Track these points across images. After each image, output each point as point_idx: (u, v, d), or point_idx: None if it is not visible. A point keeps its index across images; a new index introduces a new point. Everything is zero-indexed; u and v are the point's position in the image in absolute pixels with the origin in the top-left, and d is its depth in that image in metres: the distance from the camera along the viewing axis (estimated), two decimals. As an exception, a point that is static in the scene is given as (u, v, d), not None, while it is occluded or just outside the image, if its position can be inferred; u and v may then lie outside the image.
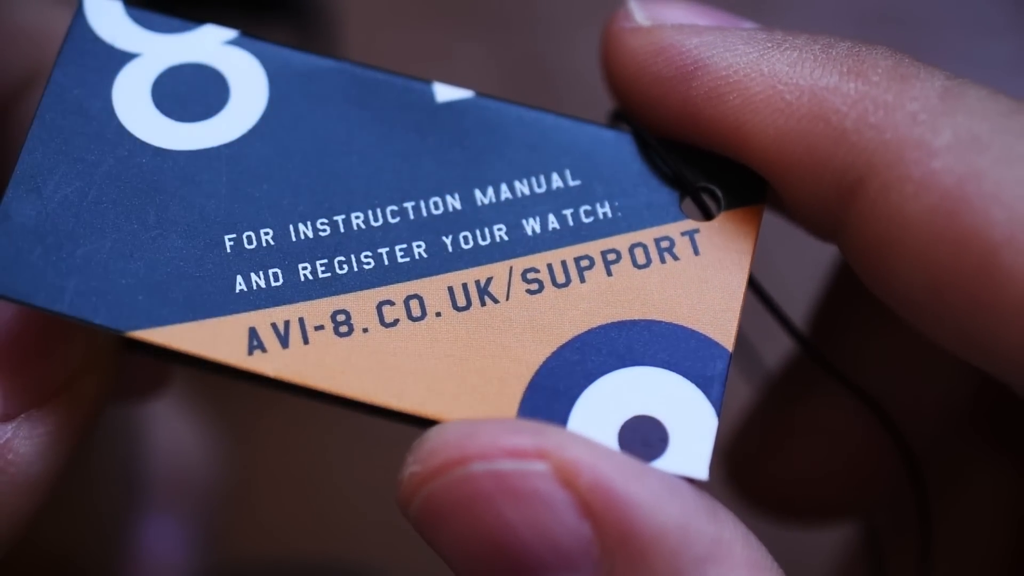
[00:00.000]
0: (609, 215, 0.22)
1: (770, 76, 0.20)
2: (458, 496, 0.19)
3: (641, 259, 0.21)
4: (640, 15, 0.22)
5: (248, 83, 0.22)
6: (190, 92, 0.22)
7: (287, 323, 0.21)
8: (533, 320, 0.21)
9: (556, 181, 0.22)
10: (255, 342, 0.21)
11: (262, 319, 0.21)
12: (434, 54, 0.47)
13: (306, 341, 0.21)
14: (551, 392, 0.20)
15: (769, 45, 0.20)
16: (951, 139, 0.19)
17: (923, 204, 0.19)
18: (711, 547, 0.18)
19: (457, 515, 0.19)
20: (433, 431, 0.19)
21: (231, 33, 0.22)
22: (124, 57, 0.22)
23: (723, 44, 0.20)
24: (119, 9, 0.22)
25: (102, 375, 0.22)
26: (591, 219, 0.22)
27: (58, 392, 0.21)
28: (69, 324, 0.21)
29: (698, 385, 0.20)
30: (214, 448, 0.38)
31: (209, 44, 0.22)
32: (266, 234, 0.21)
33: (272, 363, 0.20)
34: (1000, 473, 0.25)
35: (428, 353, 0.21)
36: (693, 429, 0.20)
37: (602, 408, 0.20)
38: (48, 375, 0.21)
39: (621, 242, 0.21)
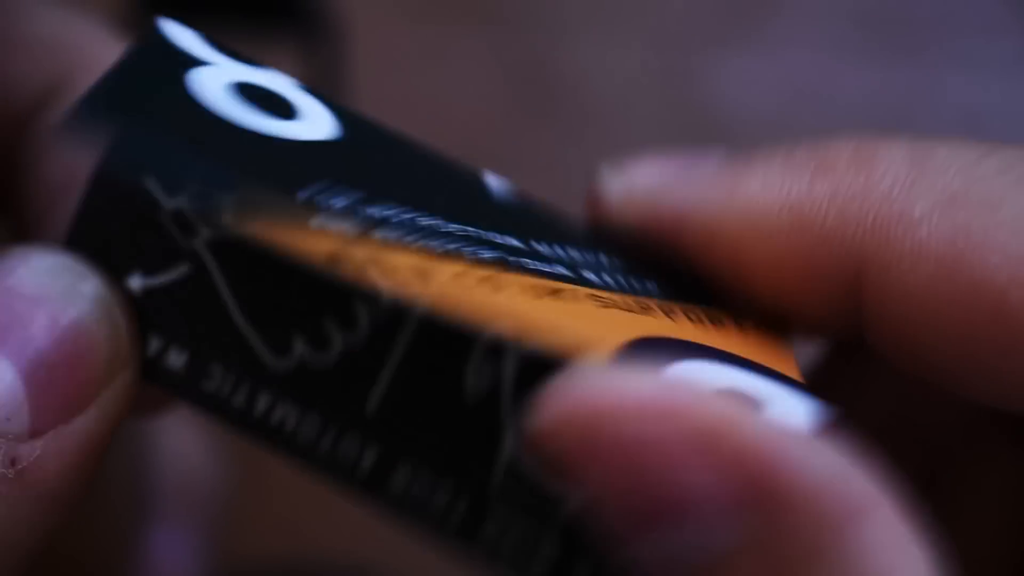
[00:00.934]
0: None
1: (746, 211, 0.21)
2: (598, 444, 0.19)
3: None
4: (615, 187, 0.22)
5: (316, 114, 0.23)
6: (266, 102, 0.22)
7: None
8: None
9: None
10: None
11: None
12: (436, 54, 0.47)
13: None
14: (651, 352, 0.21)
15: (735, 177, 0.21)
16: (929, 204, 0.19)
17: (922, 274, 0.19)
18: (857, 504, 0.18)
19: (595, 463, 0.19)
20: (570, 375, 0.19)
21: (293, 80, 0.23)
22: (198, 61, 0.22)
23: (696, 195, 0.21)
24: (191, 33, 0.23)
25: (124, 389, 0.22)
26: None
27: (83, 407, 0.21)
28: (96, 341, 0.21)
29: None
30: (221, 457, 0.38)
31: (275, 78, 0.23)
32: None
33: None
34: (1011, 473, 0.25)
35: (549, 306, 0.22)
36: (787, 405, 0.20)
37: (697, 377, 0.21)
38: (74, 391, 0.21)
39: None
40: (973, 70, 0.43)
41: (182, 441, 0.36)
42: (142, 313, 0.23)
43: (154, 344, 0.23)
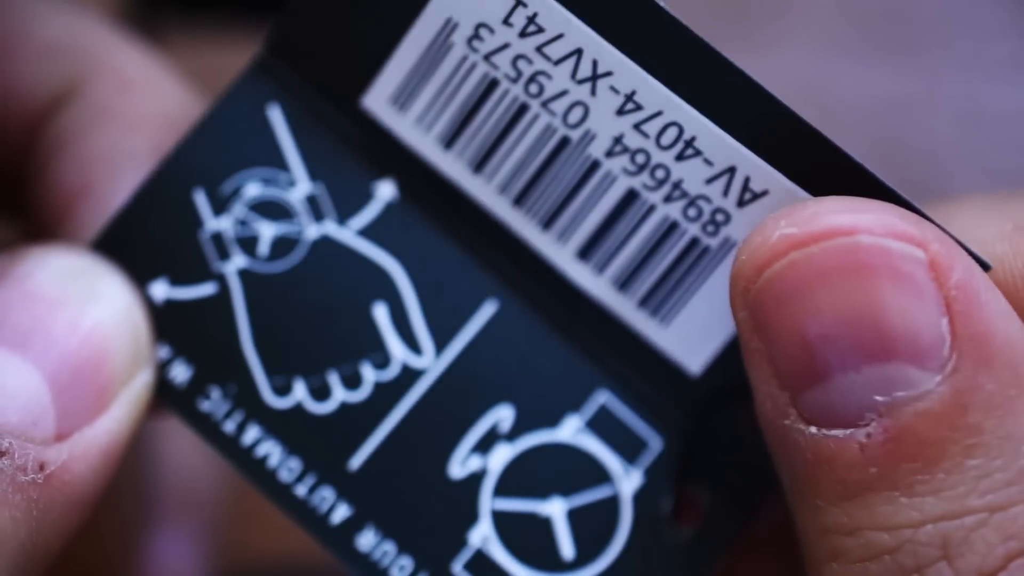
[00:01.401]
0: None
1: None
2: (838, 263, 0.18)
3: None
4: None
5: None
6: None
7: None
8: None
9: None
10: None
11: None
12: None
13: None
14: None
15: None
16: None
17: None
18: None
19: (830, 281, 0.19)
20: (814, 201, 0.19)
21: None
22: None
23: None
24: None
25: (145, 388, 0.22)
26: None
27: (105, 407, 0.21)
28: (117, 341, 0.22)
29: None
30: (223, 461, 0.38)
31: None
32: None
33: None
34: None
35: None
36: None
37: None
38: (97, 392, 0.21)
39: None
40: (973, 70, 0.43)
41: (184, 444, 0.36)
42: (158, 320, 0.23)
43: (163, 353, 0.23)
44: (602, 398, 0.23)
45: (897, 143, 0.43)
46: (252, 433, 0.23)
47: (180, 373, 0.23)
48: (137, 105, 0.25)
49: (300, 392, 0.23)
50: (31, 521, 0.20)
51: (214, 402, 0.23)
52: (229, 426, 0.23)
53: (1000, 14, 0.46)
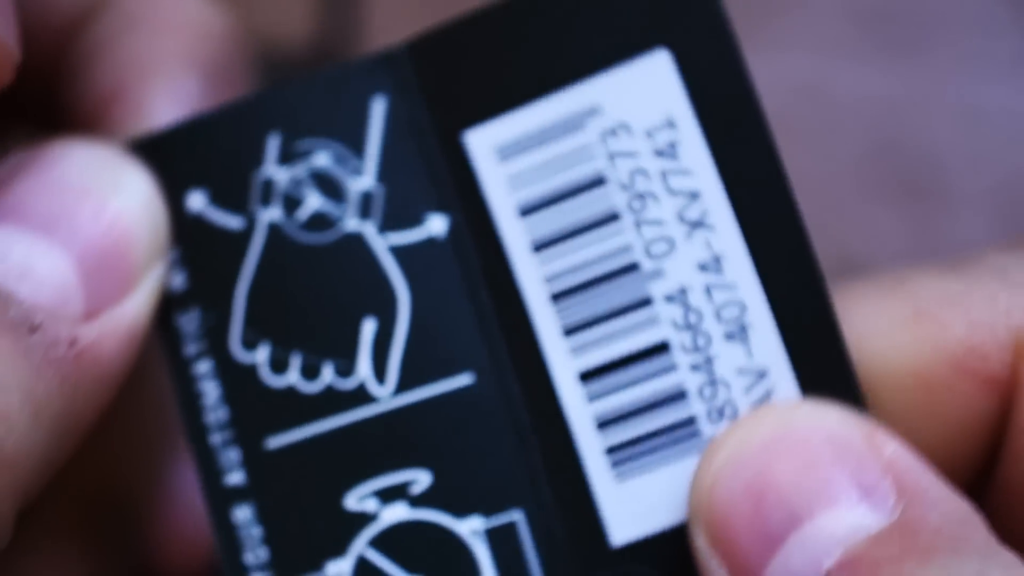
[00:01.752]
0: None
1: None
2: (788, 435, 0.20)
3: None
4: None
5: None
6: None
7: None
8: None
9: None
10: None
11: None
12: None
13: None
14: None
15: None
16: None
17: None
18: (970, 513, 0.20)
19: (783, 451, 0.20)
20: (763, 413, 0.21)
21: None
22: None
23: None
24: None
25: (161, 278, 0.23)
26: None
27: (129, 291, 0.22)
28: (139, 230, 0.22)
29: None
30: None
31: None
32: None
33: None
34: None
35: None
36: None
37: None
38: (122, 276, 0.22)
39: None
40: (973, 70, 0.43)
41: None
42: (182, 225, 0.24)
43: (172, 254, 0.23)
44: (515, 517, 0.22)
45: (897, 143, 0.43)
46: (203, 366, 0.23)
47: (177, 281, 0.23)
48: (166, 14, 0.26)
49: (262, 355, 0.23)
50: (64, 396, 0.21)
51: (189, 320, 0.23)
52: (190, 349, 0.23)
53: (1000, 14, 0.46)
